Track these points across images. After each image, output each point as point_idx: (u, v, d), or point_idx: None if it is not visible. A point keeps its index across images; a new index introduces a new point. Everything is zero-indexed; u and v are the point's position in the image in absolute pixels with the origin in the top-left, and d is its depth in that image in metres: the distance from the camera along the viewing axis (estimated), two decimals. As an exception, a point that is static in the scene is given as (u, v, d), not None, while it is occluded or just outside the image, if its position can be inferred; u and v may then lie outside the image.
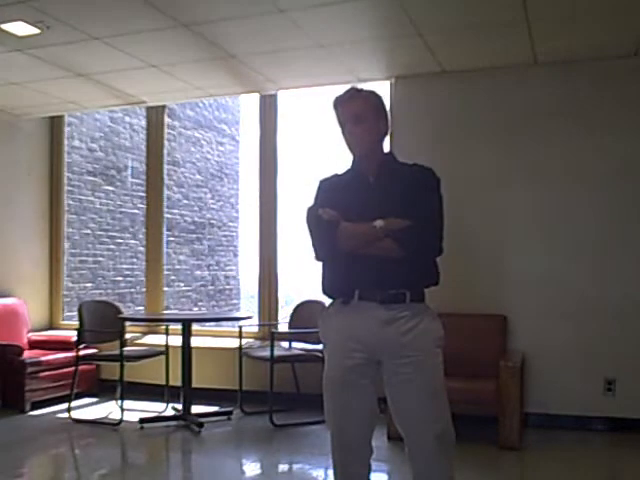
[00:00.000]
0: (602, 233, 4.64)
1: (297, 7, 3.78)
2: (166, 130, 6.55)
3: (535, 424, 4.63)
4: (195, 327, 5.35)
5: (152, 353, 5.26)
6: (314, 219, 2.32)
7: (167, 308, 8.05)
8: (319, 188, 2.44)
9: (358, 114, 2.33)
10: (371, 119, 2.35)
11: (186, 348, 4.97)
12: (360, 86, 2.44)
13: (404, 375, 2.25)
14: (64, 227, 6.76)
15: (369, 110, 2.35)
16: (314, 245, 2.35)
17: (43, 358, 5.42)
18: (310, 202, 2.42)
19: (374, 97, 2.40)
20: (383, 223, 2.21)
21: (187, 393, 4.93)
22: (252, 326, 5.66)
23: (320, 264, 2.40)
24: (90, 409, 5.34)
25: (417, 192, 2.28)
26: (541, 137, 4.76)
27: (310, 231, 2.35)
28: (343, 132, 2.38)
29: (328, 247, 2.29)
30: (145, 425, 4.79)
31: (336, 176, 2.46)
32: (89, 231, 8.83)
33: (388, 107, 6.04)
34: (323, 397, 2.38)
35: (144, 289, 6.45)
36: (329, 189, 2.41)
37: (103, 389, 5.71)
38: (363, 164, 2.38)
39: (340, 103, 2.38)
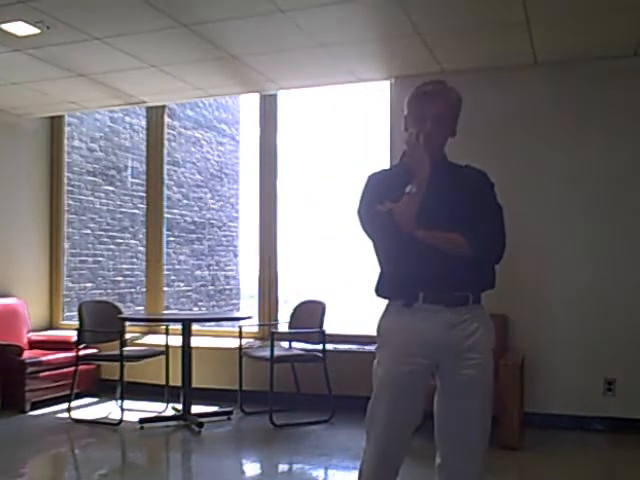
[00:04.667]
0: (602, 233, 4.64)
1: (297, 7, 3.78)
2: (166, 130, 6.55)
3: (535, 424, 4.62)
4: (195, 327, 5.34)
5: (152, 353, 5.26)
6: (370, 217, 2.21)
7: (167, 308, 8.07)
8: (368, 182, 2.33)
9: (440, 113, 2.23)
10: (450, 120, 2.27)
11: (186, 348, 4.97)
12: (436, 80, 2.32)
13: (466, 376, 2.21)
14: (64, 227, 6.75)
15: (451, 110, 2.27)
16: (376, 243, 2.27)
17: (43, 358, 5.42)
18: (357, 197, 2.30)
19: (458, 98, 2.31)
20: (411, 186, 2.11)
21: (187, 393, 4.93)
22: (252, 326, 5.66)
23: (374, 268, 2.33)
24: (90, 409, 5.33)
25: (479, 195, 2.27)
26: (541, 137, 4.76)
27: (366, 232, 2.26)
28: (415, 125, 2.20)
29: (392, 236, 2.16)
30: (145, 425, 4.78)
31: (385, 171, 2.39)
32: (89, 231, 8.84)
33: (388, 107, 5.99)
34: (371, 397, 2.29)
35: (144, 289, 6.45)
36: (380, 184, 2.29)
37: (103, 389, 5.71)
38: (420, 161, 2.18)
39: (424, 97, 2.25)
